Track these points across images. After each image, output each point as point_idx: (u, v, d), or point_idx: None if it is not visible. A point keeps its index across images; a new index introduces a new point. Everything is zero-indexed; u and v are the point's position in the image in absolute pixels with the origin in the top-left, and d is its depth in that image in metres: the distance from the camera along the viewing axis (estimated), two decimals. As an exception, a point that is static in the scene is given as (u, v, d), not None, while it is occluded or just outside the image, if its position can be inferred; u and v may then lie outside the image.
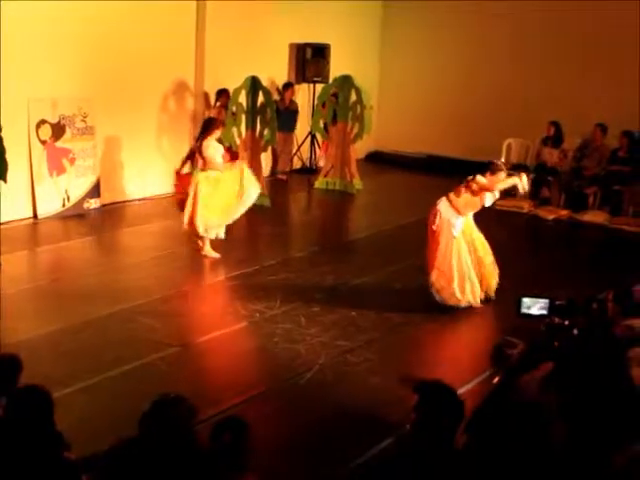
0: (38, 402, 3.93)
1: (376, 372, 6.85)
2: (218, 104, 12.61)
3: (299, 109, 14.49)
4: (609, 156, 12.57)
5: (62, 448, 4.01)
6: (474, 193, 8.03)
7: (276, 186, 13.55)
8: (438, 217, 8.07)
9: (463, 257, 8.14)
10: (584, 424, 4.02)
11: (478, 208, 8.16)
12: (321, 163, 14.65)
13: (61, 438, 4.04)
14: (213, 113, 12.50)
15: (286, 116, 13.02)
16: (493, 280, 8.39)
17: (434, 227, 8.07)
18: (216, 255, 9.52)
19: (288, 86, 14.01)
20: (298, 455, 5.49)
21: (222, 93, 12.59)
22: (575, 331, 3.97)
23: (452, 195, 8.07)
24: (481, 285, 8.30)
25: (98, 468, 3.84)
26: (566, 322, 3.97)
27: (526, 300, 3.92)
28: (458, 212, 8.05)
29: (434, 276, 8.16)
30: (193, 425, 3.89)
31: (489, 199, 8.11)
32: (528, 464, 3.88)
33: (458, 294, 8.14)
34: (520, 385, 4.00)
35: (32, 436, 3.85)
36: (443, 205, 8.09)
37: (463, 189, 8.04)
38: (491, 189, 8.01)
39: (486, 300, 8.34)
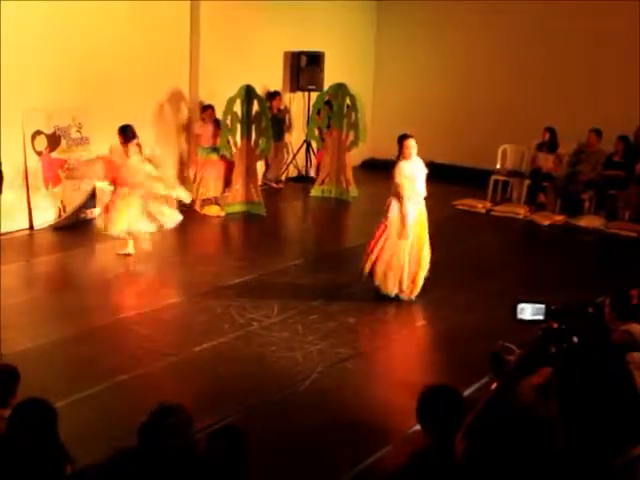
0: (43, 415, 3.89)
1: (374, 379, 6.85)
2: (203, 117, 12.51)
3: (291, 117, 14.52)
4: (604, 161, 12.59)
5: (66, 463, 3.98)
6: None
7: (271, 195, 13.55)
8: (390, 211, 8.37)
9: (401, 251, 8.39)
10: (585, 429, 4.02)
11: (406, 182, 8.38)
12: (312, 173, 14.62)
13: (65, 452, 4.01)
14: (197, 127, 12.43)
15: (273, 125, 12.89)
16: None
17: (386, 223, 8.39)
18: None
19: (274, 95, 13.98)
20: (296, 464, 5.47)
21: (206, 109, 12.51)
22: (575, 338, 3.96)
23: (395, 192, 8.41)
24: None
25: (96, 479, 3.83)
26: (563, 327, 3.96)
27: (522, 305, 3.91)
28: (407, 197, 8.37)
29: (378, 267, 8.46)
30: (191, 435, 3.88)
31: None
32: (526, 470, 3.88)
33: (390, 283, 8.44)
34: (517, 391, 4.00)
35: (36, 451, 3.80)
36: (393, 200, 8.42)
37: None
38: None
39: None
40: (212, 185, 12.35)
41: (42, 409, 3.92)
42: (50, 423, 3.90)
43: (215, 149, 12.31)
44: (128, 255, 9.79)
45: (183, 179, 12.49)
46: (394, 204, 8.39)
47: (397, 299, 8.50)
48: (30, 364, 6.24)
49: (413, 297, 8.52)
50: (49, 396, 4.11)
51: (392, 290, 8.48)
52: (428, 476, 3.67)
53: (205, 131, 12.32)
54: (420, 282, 8.51)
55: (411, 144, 8.36)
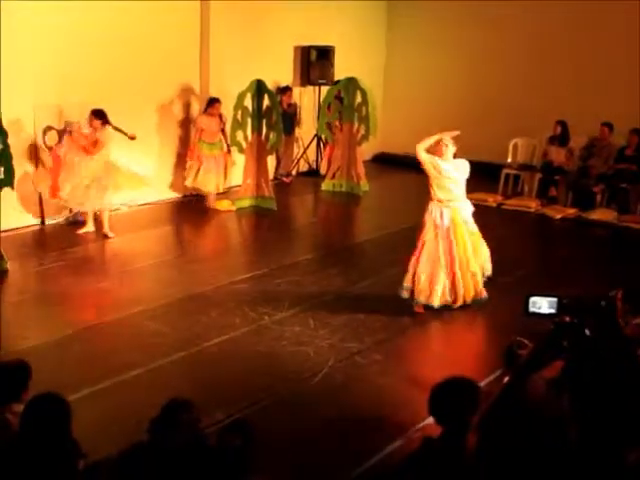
0: (56, 410, 3.89)
1: (385, 373, 6.84)
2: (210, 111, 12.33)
3: (300, 112, 14.49)
4: (616, 154, 12.54)
5: (78, 458, 3.98)
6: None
7: (282, 189, 13.54)
8: (426, 214, 8.06)
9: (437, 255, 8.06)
10: (597, 424, 4.01)
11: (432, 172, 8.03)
12: (322, 169, 14.55)
13: (78, 447, 4.01)
14: (200, 121, 12.26)
15: (284, 119, 12.84)
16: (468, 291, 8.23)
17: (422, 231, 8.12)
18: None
19: (285, 90, 13.97)
20: (307, 457, 5.47)
21: (213, 102, 12.35)
22: (587, 332, 3.94)
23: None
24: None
25: (107, 474, 3.83)
26: (575, 321, 3.94)
27: (534, 299, 3.88)
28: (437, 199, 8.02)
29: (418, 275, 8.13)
30: (200, 430, 3.88)
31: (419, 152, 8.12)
32: (539, 463, 3.86)
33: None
34: (529, 385, 3.98)
35: (49, 446, 3.80)
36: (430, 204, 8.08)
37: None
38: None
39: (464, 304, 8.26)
40: (213, 180, 12.21)
41: (56, 404, 3.92)
42: (63, 418, 3.90)
43: (218, 144, 12.27)
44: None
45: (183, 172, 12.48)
46: (430, 207, 8.09)
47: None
48: (40, 359, 6.24)
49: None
50: (60, 391, 4.11)
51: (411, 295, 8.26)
52: (438, 469, 3.66)
53: (209, 125, 12.15)
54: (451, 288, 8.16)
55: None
